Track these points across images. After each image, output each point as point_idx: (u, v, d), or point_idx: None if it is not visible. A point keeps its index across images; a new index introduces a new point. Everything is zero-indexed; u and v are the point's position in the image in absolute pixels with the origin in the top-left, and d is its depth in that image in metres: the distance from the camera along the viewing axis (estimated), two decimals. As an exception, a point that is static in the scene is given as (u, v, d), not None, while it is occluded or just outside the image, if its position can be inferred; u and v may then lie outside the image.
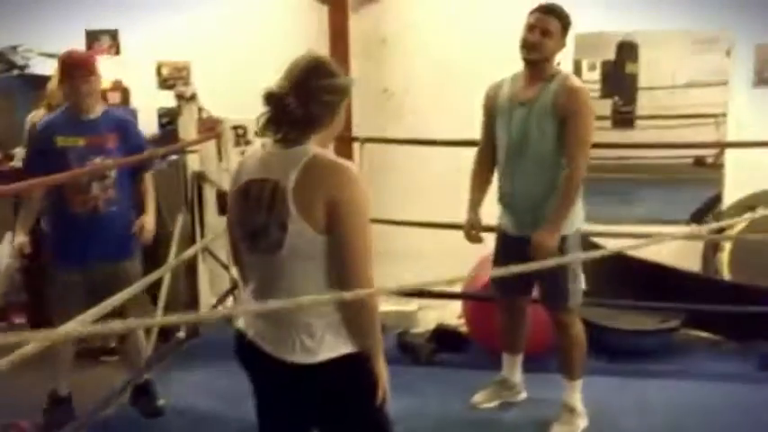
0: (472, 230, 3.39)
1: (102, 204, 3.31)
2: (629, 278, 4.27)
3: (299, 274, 1.91)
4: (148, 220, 3.50)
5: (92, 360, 4.17)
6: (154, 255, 3.81)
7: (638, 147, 7.57)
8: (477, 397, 3.60)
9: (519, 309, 3.47)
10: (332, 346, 1.93)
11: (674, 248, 4.64)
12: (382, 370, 2.00)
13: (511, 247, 3.22)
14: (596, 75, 8.58)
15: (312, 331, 1.92)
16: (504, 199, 3.30)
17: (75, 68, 3.26)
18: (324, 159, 1.91)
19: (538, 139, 3.09)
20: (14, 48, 4.74)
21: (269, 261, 1.93)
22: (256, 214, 1.93)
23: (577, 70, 7.46)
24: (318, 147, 1.95)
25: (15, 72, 4.65)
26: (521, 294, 3.41)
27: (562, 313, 3.22)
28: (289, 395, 2.02)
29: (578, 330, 3.27)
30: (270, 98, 1.91)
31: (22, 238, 3.35)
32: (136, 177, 3.52)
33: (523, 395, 3.62)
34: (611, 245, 4.28)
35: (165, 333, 4.28)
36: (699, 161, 7.44)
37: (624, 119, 8.77)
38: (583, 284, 3.26)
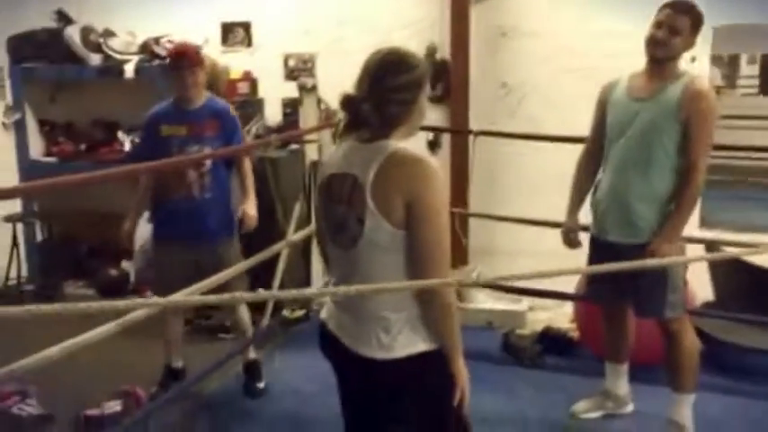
0: (570, 233, 3.29)
1: (196, 190, 3.47)
2: (757, 291, 3.95)
3: (376, 268, 1.93)
4: (249, 207, 3.62)
5: (209, 336, 4.43)
6: (266, 241, 3.94)
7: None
8: (579, 406, 3.47)
9: (619, 316, 3.31)
10: (408, 342, 1.93)
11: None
12: (461, 370, 1.99)
13: (602, 252, 3.09)
14: (756, 69, 7.98)
15: (388, 326, 1.93)
16: (596, 200, 3.18)
17: (181, 60, 3.42)
18: (403, 155, 1.91)
19: (651, 137, 2.94)
20: (157, 39, 5.05)
21: (348, 255, 1.96)
22: (337, 208, 1.97)
23: (733, 64, 6.95)
24: (401, 140, 1.95)
25: (157, 62, 4.95)
26: (617, 302, 3.25)
27: (668, 322, 3.05)
28: (365, 388, 2.05)
29: (689, 341, 3.08)
30: (346, 104, 1.93)
31: (128, 225, 3.60)
32: (235, 165, 3.63)
33: (630, 408, 3.46)
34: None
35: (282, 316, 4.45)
36: None
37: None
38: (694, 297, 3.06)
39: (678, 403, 3.11)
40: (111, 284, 5.22)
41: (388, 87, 1.91)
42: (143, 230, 4.69)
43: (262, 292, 1.87)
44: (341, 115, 1.97)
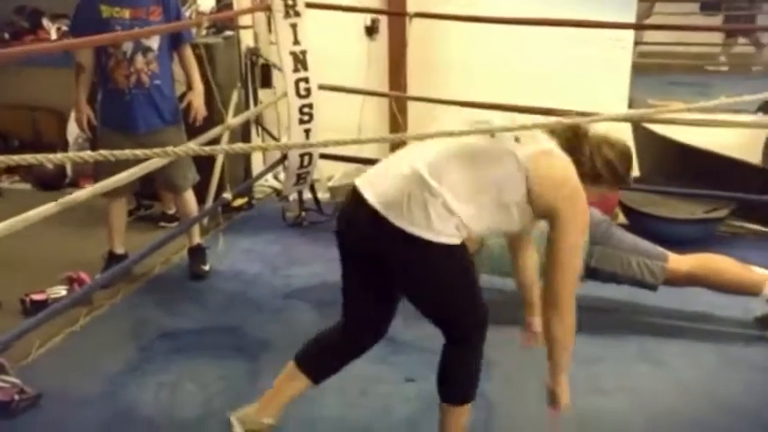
0: None
1: (146, 78, 3.44)
2: (682, 166, 4.17)
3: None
4: (196, 98, 3.65)
5: (151, 225, 4.46)
6: (204, 129, 3.92)
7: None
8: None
9: None
10: (435, 229, 1.96)
11: (734, 141, 4.47)
12: (563, 387, 2.10)
13: None
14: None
15: (426, 209, 1.96)
16: None
17: None
18: None
19: None
20: None
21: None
22: None
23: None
24: None
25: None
26: None
27: None
28: (379, 253, 2.06)
29: None
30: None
31: (84, 109, 3.56)
32: (177, 51, 3.61)
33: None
34: (666, 130, 4.22)
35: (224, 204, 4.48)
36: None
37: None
38: None
39: None
40: (48, 178, 5.15)
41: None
42: (72, 126, 4.61)
43: (242, 145, 1.88)
44: None
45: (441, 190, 1.95)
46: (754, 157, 4.46)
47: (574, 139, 2.06)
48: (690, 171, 4.13)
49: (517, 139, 1.99)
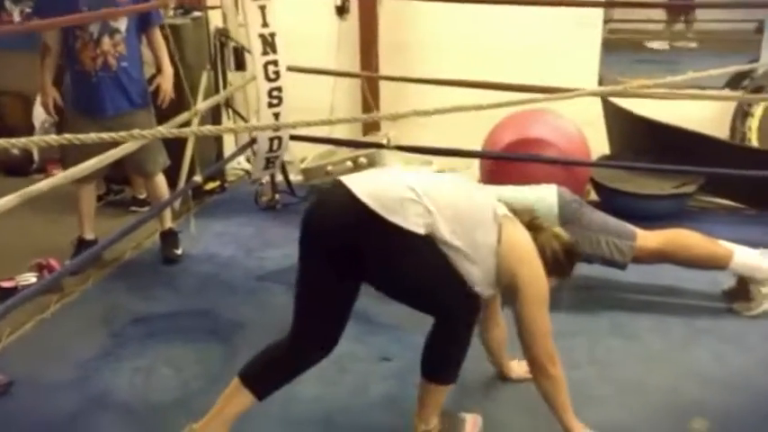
0: None
1: (112, 60, 3.39)
2: (651, 143, 4.21)
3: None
4: (165, 81, 3.61)
5: (121, 210, 4.42)
6: (173, 113, 3.88)
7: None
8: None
9: None
10: (410, 221, 2.02)
11: (703, 116, 4.53)
12: (576, 425, 2.24)
13: None
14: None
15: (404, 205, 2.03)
16: None
17: None
18: None
19: None
20: None
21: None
22: None
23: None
24: None
25: None
26: None
27: None
28: (353, 243, 2.06)
29: None
30: None
31: (50, 92, 3.50)
32: (146, 34, 3.56)
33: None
34: (636, 106, 4.25)
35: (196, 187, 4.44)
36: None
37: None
38: None
39: None
40: (14, 164, 5.07)
41: None
42: (38, 110, 4.52)
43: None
44: None
45: (424, 200, 2.04)
46: (722, 133, 4.53)
47: (531, 228, 2.24)
48: (659, 147, 4.17)
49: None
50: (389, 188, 2.06)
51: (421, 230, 2.02)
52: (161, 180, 3.75)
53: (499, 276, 2.15)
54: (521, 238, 2.17)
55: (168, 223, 3.87)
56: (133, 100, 3.52)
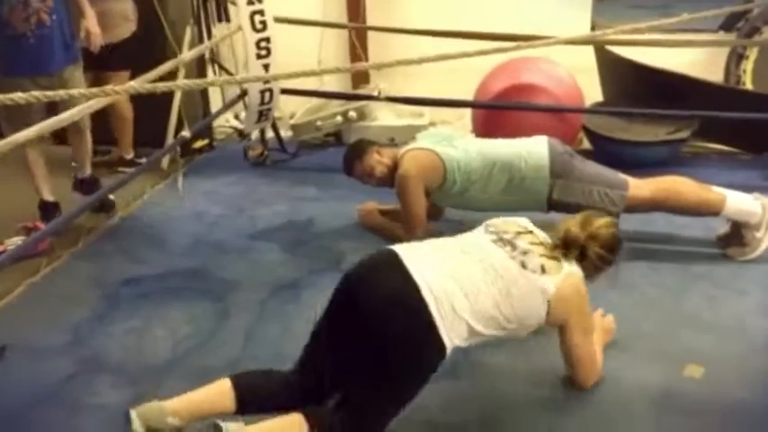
0: None
1: (45, 16, 3.31)
2: (645, 88, 4.14)
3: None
4: (91, 24, 3.56)
5: (109, 171, 4.32)
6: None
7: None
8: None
9: None
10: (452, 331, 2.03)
11: (697, 60, 4.47)
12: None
13: None
14: None
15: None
16: None
17: None
18: None
19: None
20: None
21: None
22: None
23: None
24: None
25: None
26: None
27: None
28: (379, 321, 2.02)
29: None
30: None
31: None
32: None
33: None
34: (630, 53, 4.18)
35: (184, 146, 4.39)
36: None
37: None
38: None
39: None
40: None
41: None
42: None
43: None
44: None
45: (465, 315, 2.05)
46: (717, 76, 4.46)
47: (575, 250, 2.25)
48: (652, 92, 4.11)
49: (543, 270, 2.15)
50: (451, 292, 2.04)
51: (450, 346, 2.03)
52: (89, 136, 3.74)
53: (549, 324, 2.24)
54: (566, 293, 2.19)
55: (89, 170, 3.88)
56: (72, 52, 3.46)
